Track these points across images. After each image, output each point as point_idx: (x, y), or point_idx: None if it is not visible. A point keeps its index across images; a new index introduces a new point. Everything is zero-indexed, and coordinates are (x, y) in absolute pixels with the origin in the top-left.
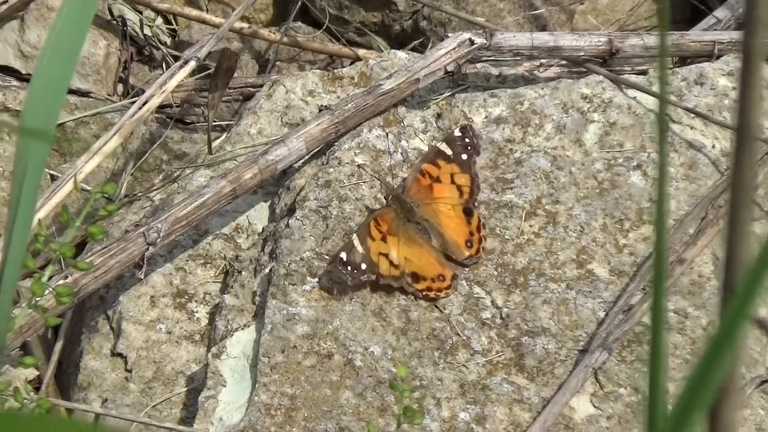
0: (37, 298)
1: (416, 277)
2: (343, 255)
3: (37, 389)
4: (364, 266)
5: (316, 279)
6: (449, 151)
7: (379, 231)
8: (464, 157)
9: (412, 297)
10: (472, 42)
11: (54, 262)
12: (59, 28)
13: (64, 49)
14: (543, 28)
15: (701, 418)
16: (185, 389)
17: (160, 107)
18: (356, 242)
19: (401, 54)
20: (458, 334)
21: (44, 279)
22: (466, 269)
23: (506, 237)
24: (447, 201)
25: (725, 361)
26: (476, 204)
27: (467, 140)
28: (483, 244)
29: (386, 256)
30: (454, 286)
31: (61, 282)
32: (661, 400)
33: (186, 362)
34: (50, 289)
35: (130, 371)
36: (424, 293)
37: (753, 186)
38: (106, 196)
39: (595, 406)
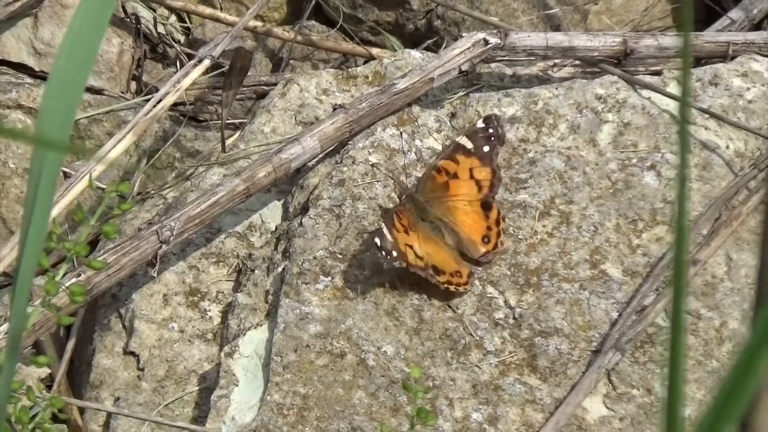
0: (50, 297)
1: (437, 269)
2: (377, 240)
3: (49, 387)
4: (395, 253)
5: (329, 278)
6: (470, 145)
7: (402, 225)
8: (486, 149)
9: (426, 296)
10: (486, 42)
11: (67, 260)
12: (77, 27)
13: (81, 49)
14: (557, 28)
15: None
16: (197, 388)
17: (174, 105)
18: (385, 230)
19: (415, 53)
20: (471, 334)
21: (58, 277)
22: (480, 268)
23: (519, 237)
24: (464, 197)
25: (759, 368)
26: (495, 198)
27: (491, 130)
28: (501, 238)
29: (411, 247)
30: (471, 283)
31: (74, 280)
32: (679, 402)
33: (198, 361)
34: (63, 288)
35: (142, 370)
36: (445, 285)
37: None
38: (119, 194)
39: (607, 407)
